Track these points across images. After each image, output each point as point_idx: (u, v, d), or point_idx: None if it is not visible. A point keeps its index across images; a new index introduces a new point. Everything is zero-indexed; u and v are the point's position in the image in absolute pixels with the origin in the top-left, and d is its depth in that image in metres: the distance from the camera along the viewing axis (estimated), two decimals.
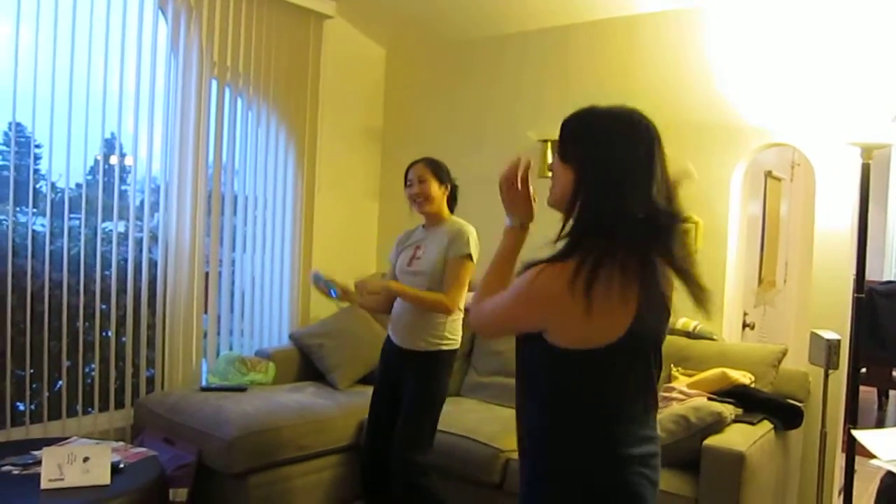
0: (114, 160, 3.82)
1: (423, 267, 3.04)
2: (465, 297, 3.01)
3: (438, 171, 3.09)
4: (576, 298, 1.38)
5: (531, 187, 1.69)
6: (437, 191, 3.07)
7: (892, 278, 7.71)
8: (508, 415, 3.51)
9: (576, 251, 1.42)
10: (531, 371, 1.55)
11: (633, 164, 1.45)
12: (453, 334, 3.06)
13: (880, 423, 5.74)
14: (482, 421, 3.53)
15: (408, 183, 3.10)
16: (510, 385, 3.96)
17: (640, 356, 1.51)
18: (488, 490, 3.29)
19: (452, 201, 3.18)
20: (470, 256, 2.98)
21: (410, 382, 3.05)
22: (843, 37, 3.43)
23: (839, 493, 3.59)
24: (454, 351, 3.09)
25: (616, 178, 1.44)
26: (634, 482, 1.47)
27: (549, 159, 4.21)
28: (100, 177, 3.74)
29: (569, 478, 1.49)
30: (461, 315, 3.05)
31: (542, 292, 1.44)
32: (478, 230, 3.06)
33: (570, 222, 1.48)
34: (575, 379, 1.48)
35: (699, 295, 1.48)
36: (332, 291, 3.07)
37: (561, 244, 1.48)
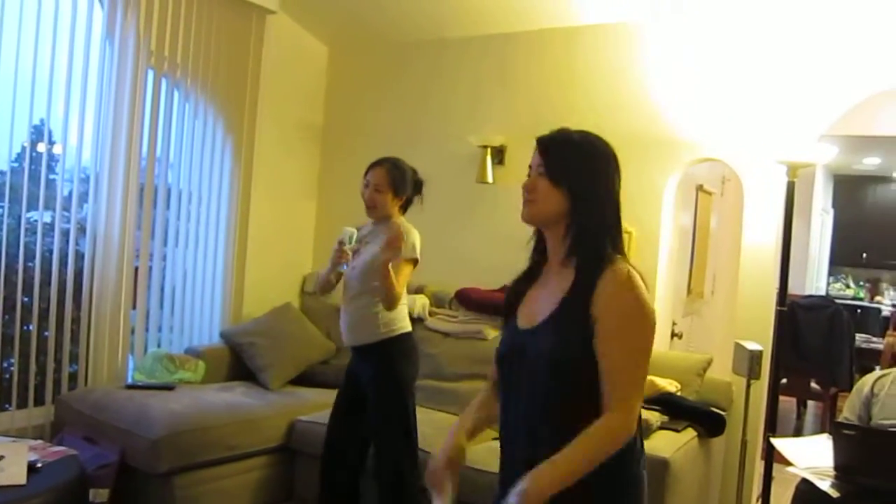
0: (42, 147, 3.69)
1: (360, 262, 3.03)
2: (403, 291, 3.02)
3: (398, 181, 3.06)
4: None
5: None
6: (390, 202, 3.06)
7: (814, 292, 8.03)
8: (440, 418, 3.54)
9: (605, 261, 1.53)
10: (575, 381, 1.52)
11: (617, 185, 1.62)
12: (396, 322, 3.04)
13: (798, 432, 5.95)
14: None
15: (364, 182, 3.08)
16: (443, 389, 3.98)
17: None
18: (421, 493, 3.29)
19: (408, 204, 3.16)
20: (414, 259, 3.01)
21: (369, 372, 3.04)
22: (774, 57, 3.56)
23: (757, 499, 3.71)
24: (406, 334, 3.07)
25: (611, 198, 1.60)
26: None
27: (489, 165, 4.24)
28: (26, 164, 3.60)
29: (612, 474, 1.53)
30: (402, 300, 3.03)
31: (646, 291, 1.54)
32: (416, 228, 3.07)
33: (570, 239, 1.57)
34: None
35: None
36: (343, 265, 3.03)
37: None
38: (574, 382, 1.50)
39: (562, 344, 1.51)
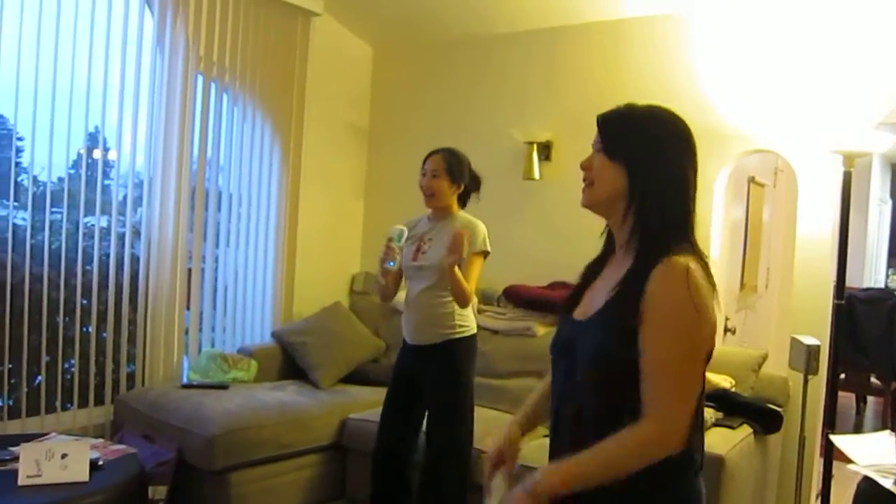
0: (97, 154, 3.79)
1: (430, 261, 3.02)
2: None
3: (454, 167, 3.06)
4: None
5: None
6: (448, 188, 3.05)
7: (872, 285, 7.81)
8: (491, 416, 3.54)
9: (665, 251, 1.38)
10: (619, 382, 1.38)
11: (686, 165, 1.47)
12: (465, 321, 3.06)
13: (858, 429, 5.81)
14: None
15: (422, 172, 3.09)
16: (492, 386, 3.97)
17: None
18: (473, 491, 3.29)
19: (466, 197, 3.16)
20: (486, 252, 3.01)
21: (431, 374, 3.04)
22: (827, 45, 3.46)
23: (817, 497, 3.63)
24: (471, 337, 3.09)
25: (678, 178, 1.45)
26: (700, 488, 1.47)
27: (535, 161, 4.22)
28: (82, 171, 3.70)
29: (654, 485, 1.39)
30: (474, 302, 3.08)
31: (707, 290, 1.38)
32: None
33: (630, 223, 1.45)
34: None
35: None
36: (390, 263, 2.92)
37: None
38: (618, 384, 1.37)
39: (607, 340, 1.39)
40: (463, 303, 2.96)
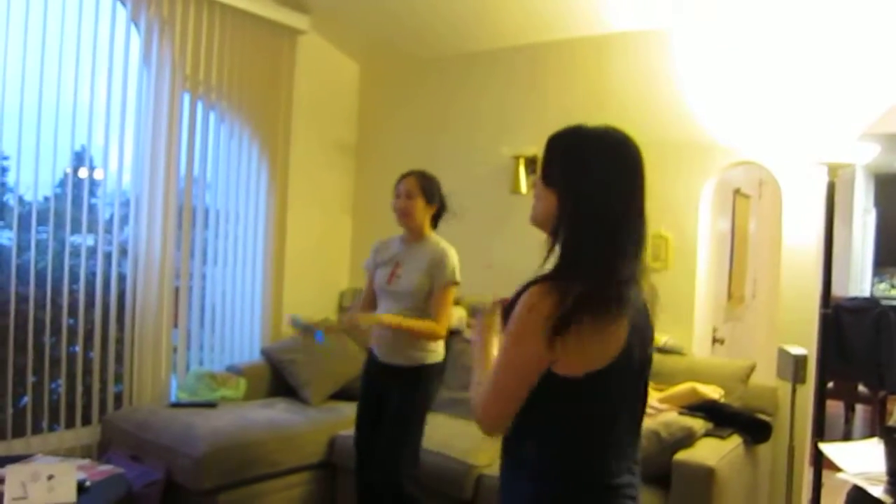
0: (83, 173, 3.78)
1: (404, 287, 3.05)
2: (451, 319, 3.09)
3: (428, 188, 3.10)
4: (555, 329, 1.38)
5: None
6: (422, 209, 3.08)
7: (858, 294, 7.86)
8: (470, 428, 3.53)
9: (560, 278, 1.40)
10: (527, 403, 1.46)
11: (617, 198, 1.42)
12: (435, 346, 3.09)
13: (847, 437, 5.82)
14: (454, 436, 3.52)
15: (396, 194, 3.11)
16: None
17: (628, 384, 1.48)
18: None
19: (437, 218, 3.19)
20: (455, 283, 3.05)
21: (395, 397, 3.06)
22: (809, 57, 3.51)
23: None
24: (438, 364, 3.12)
25: (600, 212, 1.41)
26: None
27: (522, 175, 4.24)
28: (69, 189, 3.69)
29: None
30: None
31: (543, 314, 1.37)
32: (453, 246, 3.09)
33: (556, 246, 1.45)
34: (570, 406, 1.44)
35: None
36: (317, 335, 3.10)
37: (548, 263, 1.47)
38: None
39: None
40: (434, 338, 3.04)
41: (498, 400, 1.46)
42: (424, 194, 3.08)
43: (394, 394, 3.07)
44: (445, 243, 3.09)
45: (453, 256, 3.06)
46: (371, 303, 3.23)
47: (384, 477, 3.03)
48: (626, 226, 1.42)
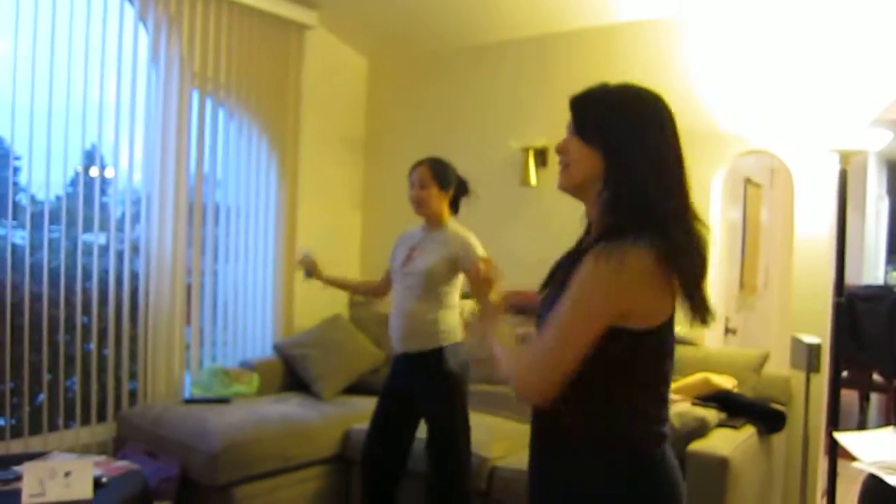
0: (94, 172, 3.80)
1: (417, 268, 3.04)
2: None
3: (441, 175, 3.08)
4: (660, 274, 1.35)
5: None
6: (437, 196, 3.07)
7: (872, 282, 7.81)
8: (494, 423, 3.54)
9: (629, 234, 1.34)
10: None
11: (662, 142, 1.42)
12: (455, 328, 3.06)
13: (862, 426, 5.79)
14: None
15: (410, 183, 3.10)
16: (496, 393, 3.97)
17: (671, 341, 1.49)
18: (475, 497, 3.29)
19: (456, 202, 3.18)
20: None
21: (423, 388, 3.05)
22: (820, 44, 3.48)
23: (822, 496, 3.62)
24: (455, 345, 3.08)
25: (654, 159, 1.39)
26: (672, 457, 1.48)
27: (532, 168, 4.23)
28: (80, 188, 3.71)
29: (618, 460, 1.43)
30: (456, 308, 3.10)
31: (635, 268, 1.32)
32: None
33: (602, 207, 1.42)
34: (634, 361, 1.42)
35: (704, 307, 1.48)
36: (305, 272, 3.34)
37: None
38: None
39: (548, 315, 1.41)
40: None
41: (560, 361, 1.35)
42: (438, 181, 3.06)
43: (419, 388, 3.04)
44: (465, 230, 3.08)
45: (474, 242, 3.04)
46: (386, 286, 3.27)
47: (437, 472, 3.02)
48: (678, 171, 1.43)
